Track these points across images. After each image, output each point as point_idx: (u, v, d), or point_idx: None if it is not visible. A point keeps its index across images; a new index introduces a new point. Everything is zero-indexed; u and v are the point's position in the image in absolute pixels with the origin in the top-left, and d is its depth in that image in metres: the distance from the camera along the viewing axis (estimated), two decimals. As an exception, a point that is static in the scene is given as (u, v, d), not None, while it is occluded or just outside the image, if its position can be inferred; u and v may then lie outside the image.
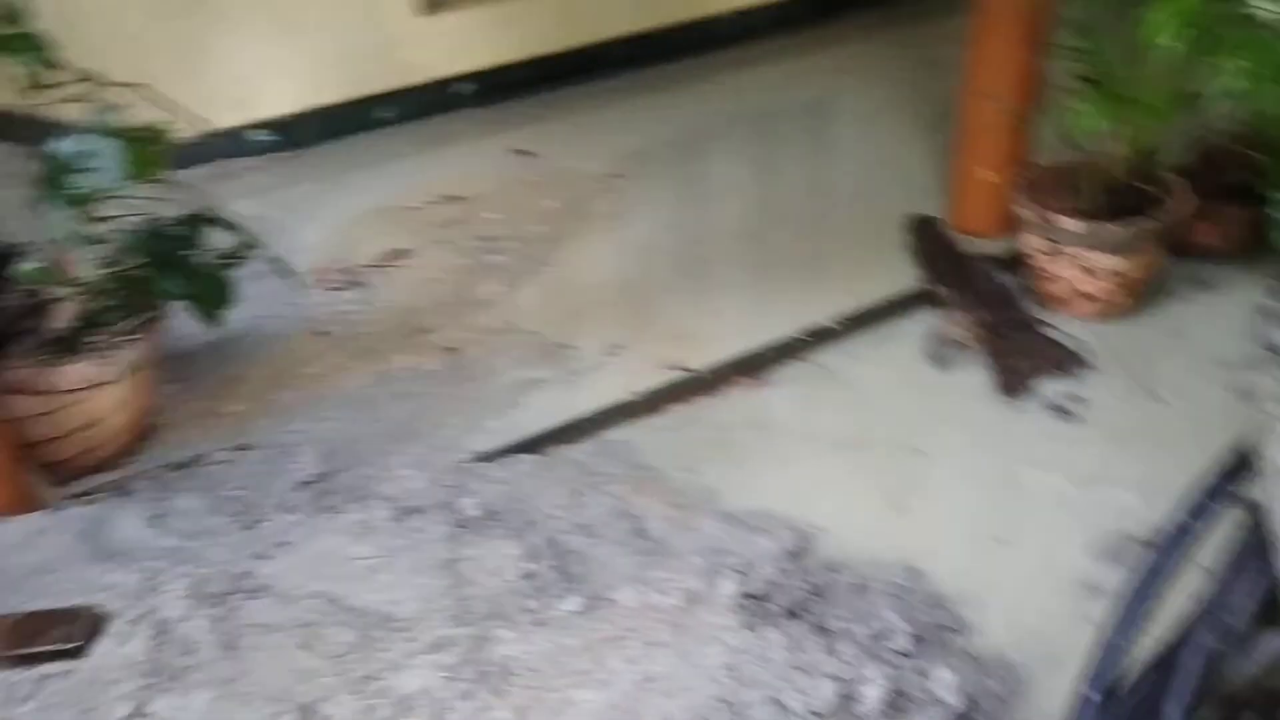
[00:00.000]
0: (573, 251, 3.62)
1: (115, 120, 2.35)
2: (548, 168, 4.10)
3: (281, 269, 2.88)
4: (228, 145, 4.00)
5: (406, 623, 2.12)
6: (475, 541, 2.38)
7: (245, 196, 3.75)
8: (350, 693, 1.95)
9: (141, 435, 2.86)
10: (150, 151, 2.34)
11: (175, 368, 3.00)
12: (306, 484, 2.67)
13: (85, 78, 2.39)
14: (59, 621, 2.11)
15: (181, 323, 2.87)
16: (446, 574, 2.27)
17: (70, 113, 2.51)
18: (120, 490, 2.66)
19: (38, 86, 2.44)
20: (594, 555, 2.38)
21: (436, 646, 2.04)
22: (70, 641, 2.07)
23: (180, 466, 2.75)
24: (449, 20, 4.27)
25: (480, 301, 3.38)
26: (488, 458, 2.77)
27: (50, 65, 2.32)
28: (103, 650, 2.07)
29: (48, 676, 2.06)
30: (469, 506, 2.50)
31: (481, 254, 3.61)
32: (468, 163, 4.15)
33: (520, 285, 3.46)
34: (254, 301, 3.09)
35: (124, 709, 1.95)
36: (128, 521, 2.47)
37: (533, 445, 2.84)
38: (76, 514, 2.51)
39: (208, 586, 2.21)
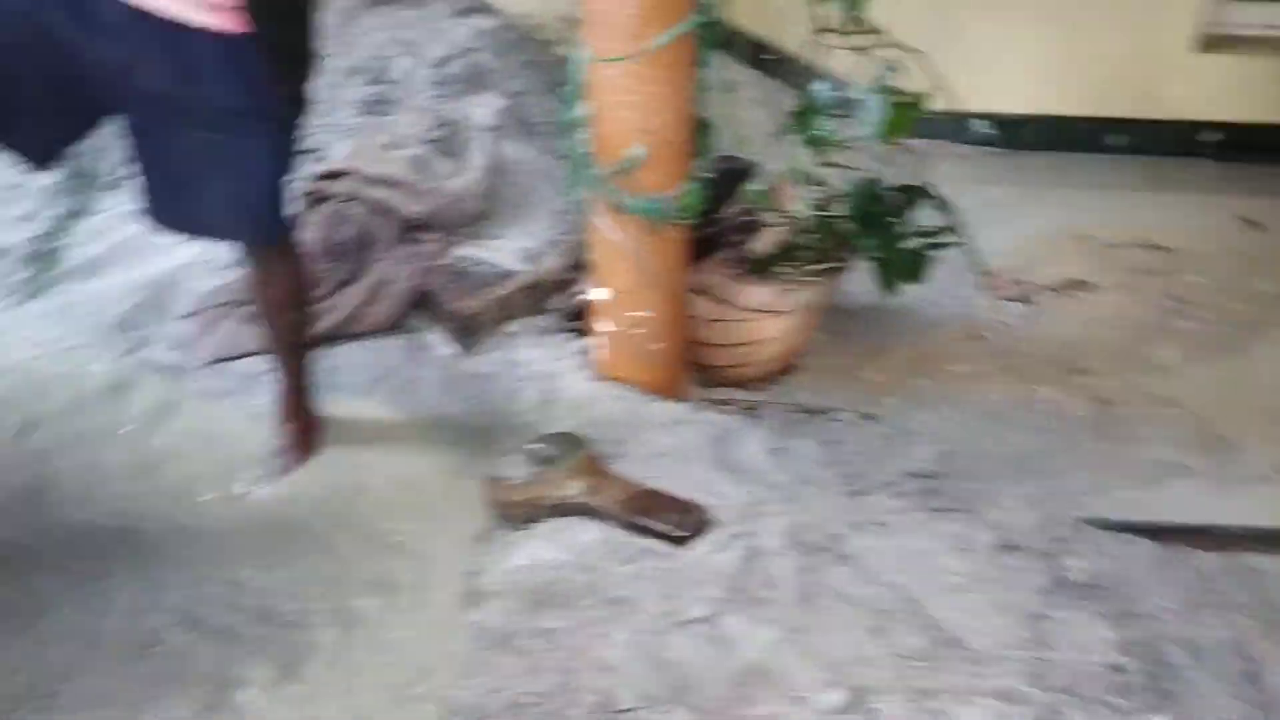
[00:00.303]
0: (1274, 345, 3.21)
1: (887, 79, 2.42)
2: (1275, 247, 3.65)
3: (975, 263, 2.85)
4: (948, 127, 4.03)
5: (977, 656, 2.03)
6: (1068, 606, 2.21)
7: (947, 180, 3.75)
8: (905, 699, 1.91)
9: (784, 370, 3.00)
10: (905, 117, 2.39)
11: (833, 319, 3.10)
12: (917, 476, 2.65)
13: (872, 32, 2.48)
14: (674, 508, 2.28)
15: (857, 280, 2.96)
16: (1030, 626, 2.13)
17: (837, 62, 2.63)
18: (751, 412, 2.81)
19: (823, 31, 2.58)
20: (1194, 681, 2.11)
21: (1003, 696, 1.93)
22: (678, 530, 2.23)
23: (808, 411, 2.86)
24: (1224, 63, 3.92)
25: (1151, 362, 3.12)
26: (1105, 526, 2.56)
27: (857, 16, 2.43)
28: (700, 551, 2.21)
29: (648, 551, 2.24)
30: (1072, 569, 2.32)
31: (1168, 314, 3.32)
32: (1184, 215, 3.82)
33: (1201, 361, 3.14)
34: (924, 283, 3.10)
35: (700, 610, 2.07)
36: (751, 443, 2.60)
37: (1157, 533, 2.57)
38: (711, 418, 2.69)
39: (803, 534, 2.26)
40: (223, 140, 2.09)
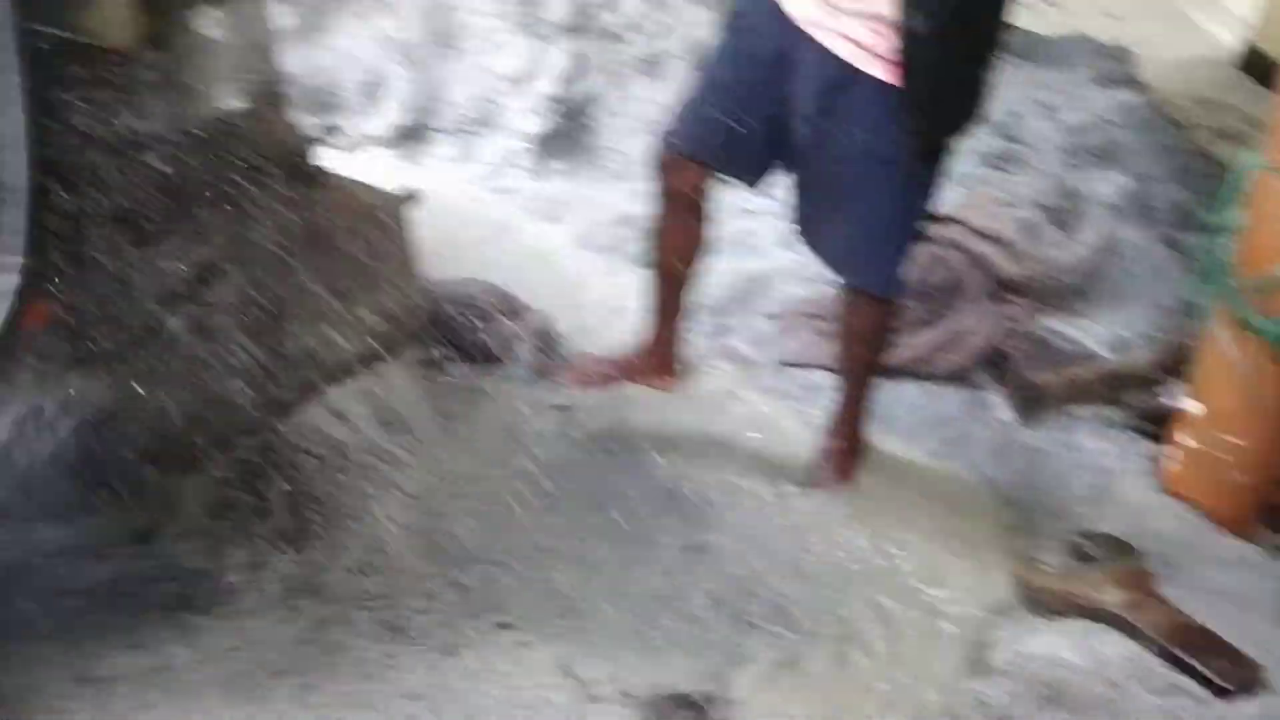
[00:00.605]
0: None
1: None
2: None
3: None
4: None
5: None
6: None
7: None
8: None
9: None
10: None
11: None
12: None
13: None
14: (1224, 654, 2.11)
15: None
16: None
17: None
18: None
19: None
20: None
21: None
22: (1224, 679, 2.06)
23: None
24: None
25: None
26: None
27: None
28: (1243, 710, 2.03)
29: (1180, 689, 2.09)
30: None
31: None
32: None
33: None
34: None
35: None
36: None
37: None
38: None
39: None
40: (858, 181, 2.24)
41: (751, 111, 2.29)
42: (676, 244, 2.55)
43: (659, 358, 2.75)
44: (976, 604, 2.35)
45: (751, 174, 2.46)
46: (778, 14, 2.19)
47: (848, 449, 2.64)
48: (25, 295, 1.33)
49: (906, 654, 2.23)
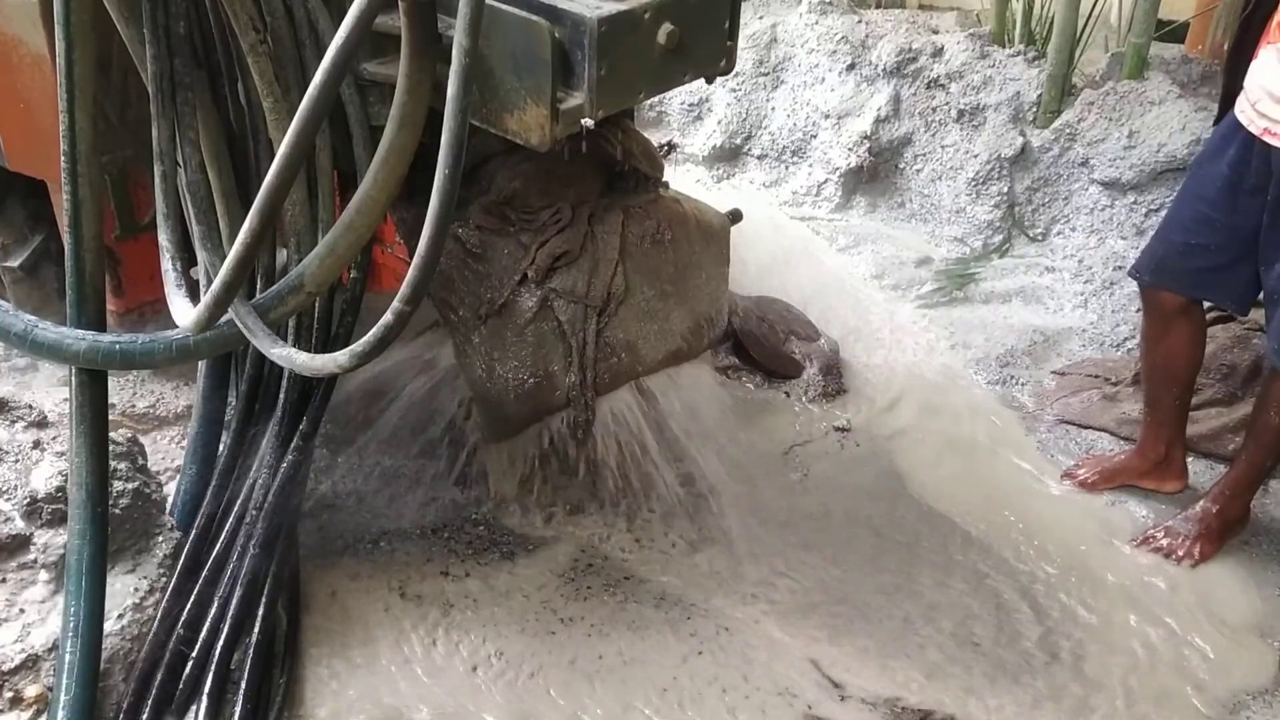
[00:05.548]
0: None
1: None
2: None
3: None
4: None
5: None
6: None
7: None
8: None
9: None
10: None
11: None
12: None
13: None
14: None
15: None
16: None
17: None
18: None
19: None
20: None
21: None
22: None
23: None
24: None
25: None
26: None
27: None
28: None
29: None
30: None
31: None
32: None
33: None
34: None
35: None
36: None
37: None
38: None
39: None
40: None
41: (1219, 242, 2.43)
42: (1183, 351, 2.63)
43: (1168, 461, 2.78)
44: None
45: (1236, 297, 2.53)
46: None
47: (1221, 522, 2.62)
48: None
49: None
